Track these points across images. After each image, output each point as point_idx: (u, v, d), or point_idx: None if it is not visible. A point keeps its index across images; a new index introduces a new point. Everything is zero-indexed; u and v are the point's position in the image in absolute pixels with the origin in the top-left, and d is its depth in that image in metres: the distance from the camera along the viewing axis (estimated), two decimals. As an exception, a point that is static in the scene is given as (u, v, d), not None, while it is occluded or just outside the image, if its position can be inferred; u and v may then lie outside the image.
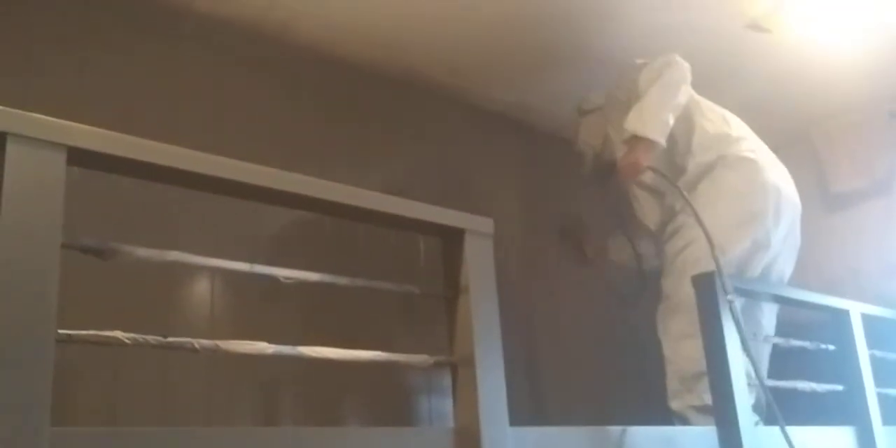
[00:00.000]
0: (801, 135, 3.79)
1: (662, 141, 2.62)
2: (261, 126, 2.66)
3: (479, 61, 3.12)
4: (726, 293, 2.20)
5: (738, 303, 2.32)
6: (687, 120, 2.76)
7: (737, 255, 2.61)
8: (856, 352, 2.68)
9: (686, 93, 2.71)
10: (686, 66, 2.74)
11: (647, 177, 2.75)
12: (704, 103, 2.86)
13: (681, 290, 2.58)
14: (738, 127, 2.85)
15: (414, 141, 3.15)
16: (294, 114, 2.80)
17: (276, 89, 2.78)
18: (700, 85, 2.83)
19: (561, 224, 3.17)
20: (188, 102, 2.53)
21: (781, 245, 2.77)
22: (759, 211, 2.68)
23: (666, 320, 2.70)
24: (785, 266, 2.84)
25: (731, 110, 2.94)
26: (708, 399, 2.43)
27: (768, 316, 2.85)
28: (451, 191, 3.12)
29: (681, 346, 2.60)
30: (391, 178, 2.96)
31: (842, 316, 2.71)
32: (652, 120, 2.62)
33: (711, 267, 2.32)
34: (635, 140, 2.63)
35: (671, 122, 2.64)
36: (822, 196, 3.73)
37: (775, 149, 2.94)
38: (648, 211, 2.90)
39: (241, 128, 2.59)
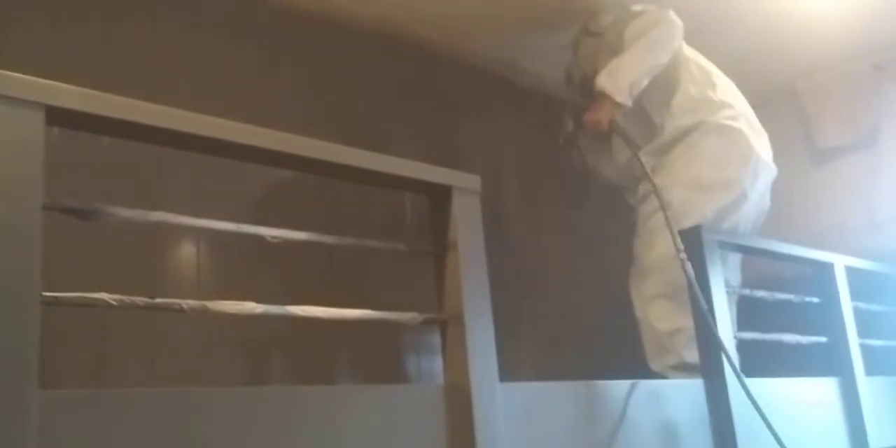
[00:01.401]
0: (786, 89, 3.77)
1: (629, 102, 2.61)
2: (243, 87, 2.62)
3: (469, 18, 3.07)
4: (678, 251, 2.22)
5: None
6: (672, 78, 2.74)
7: (707, 217, 2.62)
8: (839, 304, 2.71)
9: (669, 53, 2.67)
10: (678, 24, 2.70)
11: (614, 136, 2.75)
12: (695, 61, 2.83)
13: (651, 252, 2.64)
14: (723, 91, 2.82)
15: (402, 100, 3.12)
16: (275, 73, 2.75)
17: (256, 49, 2.73)
18: (684, 40, 2.80)
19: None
20: (168, 64, 2.49)
21: (752, 209, 2.80)
22: (735, 179, 2.69)
23: (637, 282, 2.73)
24: (749, 226, 2.85)
25: (716, 64, 2.92)
26: (687, 356, 2.48)
27: (732, 271, 2.86)
28: (443, 151, 3.10)
29: (652, 307, 2.64)
30: (381, 138, 2.94)
31: (826, 269, 2.74)
32: (623, 80, 2.60)
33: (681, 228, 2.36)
34: (603, 97, 2.62)
35: (644, 83, 2.62)
36: (807, 151, 3.73)
37: (760, 104, 2.93)
38: (619, 156, 2.90)
39: (222, 90, 2.54)
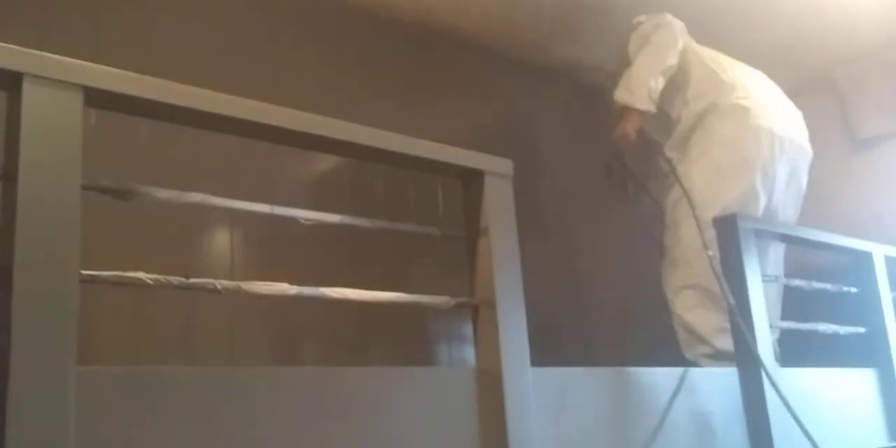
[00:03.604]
0: (826, 77, 3.71)
1: (651, 107, 2.66)
2: (276, 71, 2.63)
3: (528, 15, 3.08)
4: (706, 249, 2.24)
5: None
6: (684, 73, 2.77)
7: (732, 201, 2.61)
8: (878, 294, 2.67)
9: (675, 53, 2.71)
10: (677, 25, 2.75)
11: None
12: (706, 53, 2.85)
13: (679, 244, 2.65)
14: (734, 74, 2.82)
15: (460, 94, 3.14)
16: (308, 58, 2.76)
17: (290, 34, 2.74)
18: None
19: (607, 163, 3.17)
20: (202, 49, 2.50)
21: (783, 191, 2.77)
22: (751, 157, 2.67)
23: (666, 273, 2.74)
24: (788, 211, 2.84)
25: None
26: (719, 345, 2.47)
27: (774, 261, 2.84)
28: (500, 142, 3.10)
29: (679, 298, 2.65)
30: (438, 132, 2.95)
31: (865, 258, 2.70)
32: (638, 89, 2.65)
33: (703, 219, 2.37)
34: (625, 110, 2.68)
35: (660, 85, 2.67)
36: (846, 140, 3.67)
37: (798, 92, 2.90)
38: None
39: (255, 74, 2.56)
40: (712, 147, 2.69)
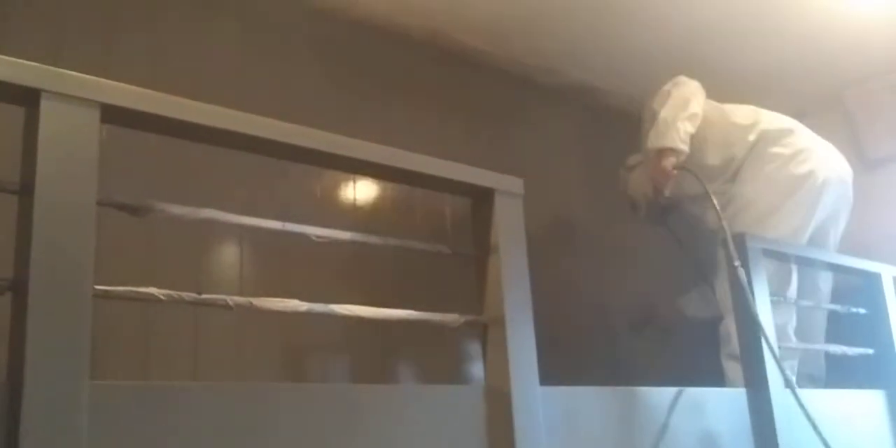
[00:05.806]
0: (834, 98, 3.72)
1: (684, 147, 2.72)
2: (287, 89, 2.65)
3: (512, 24, 3.10)
4: (733, 260, 2.24)
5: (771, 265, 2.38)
6: (715, 125, 2.86)
7: (786, 215, 2.69)
8: (887, 315, 2.66)
9: (699, 103, 2.80)
10: (694, 83, 2.86)
11: (685, 183, 2.80)
12: (730, 107, 2.94)
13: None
14: (768, 114, 2.92)
15: (469, 116, 3.17)
16: (320, 77, 2.78)
17: (300, 54, 2.76)
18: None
19: (632, 201, 3.19)
20: (216, 70, 2.52)
21: (835, 205, 2.84)
22: (805, 173, 2.75)
23: (721, 280, 2.73)
24: (841, 226, 2.92)
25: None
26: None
27: (824, 277, 2.90)
28: (508, 161, 3.12)
29: (728, 367, 2.67)
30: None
31: (874, 279, 2.70)
32: (668, 131, 2.72)
33: (759, 233, 2.42)
34: (659, 153, 2.74)
35: (690, 130, 2.74)
36: (856, 160, 3.65)
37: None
38: (710, 215, 2.94)
39: (265, 92, 2.57)
40: (766, 165, 2.78)
